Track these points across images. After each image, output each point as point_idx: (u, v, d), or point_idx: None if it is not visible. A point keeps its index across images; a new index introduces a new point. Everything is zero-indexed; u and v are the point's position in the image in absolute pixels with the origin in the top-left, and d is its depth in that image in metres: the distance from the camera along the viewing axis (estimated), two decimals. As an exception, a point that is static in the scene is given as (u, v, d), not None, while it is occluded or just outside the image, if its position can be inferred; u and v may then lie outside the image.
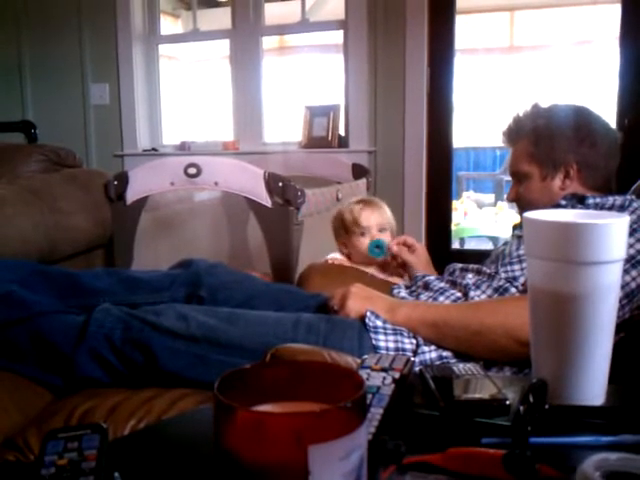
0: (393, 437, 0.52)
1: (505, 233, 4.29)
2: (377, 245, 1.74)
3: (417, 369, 0.78)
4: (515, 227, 1.60)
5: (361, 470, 0.50)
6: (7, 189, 2.08)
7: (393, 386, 0.68)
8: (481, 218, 4.75)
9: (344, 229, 1.81)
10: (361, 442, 0.50)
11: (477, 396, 0.69)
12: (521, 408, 0.61)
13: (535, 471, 0.47)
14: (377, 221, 1.78)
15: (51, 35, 3.74)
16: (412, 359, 0.74)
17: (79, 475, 0.54)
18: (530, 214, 0.74)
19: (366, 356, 0.78)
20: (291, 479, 0.48)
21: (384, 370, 0.72)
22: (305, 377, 0.60)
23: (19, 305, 1.28)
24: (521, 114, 1.49)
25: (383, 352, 1.21)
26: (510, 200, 1.52)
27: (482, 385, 0.72)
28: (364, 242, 1.76)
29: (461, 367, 0.77)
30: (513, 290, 1.31)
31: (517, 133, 1.48)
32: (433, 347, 1.22)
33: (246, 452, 0.49)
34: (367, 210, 1.79)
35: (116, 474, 0.56)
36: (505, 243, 1.54)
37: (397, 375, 0.71)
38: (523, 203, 1.49)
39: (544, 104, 1.48)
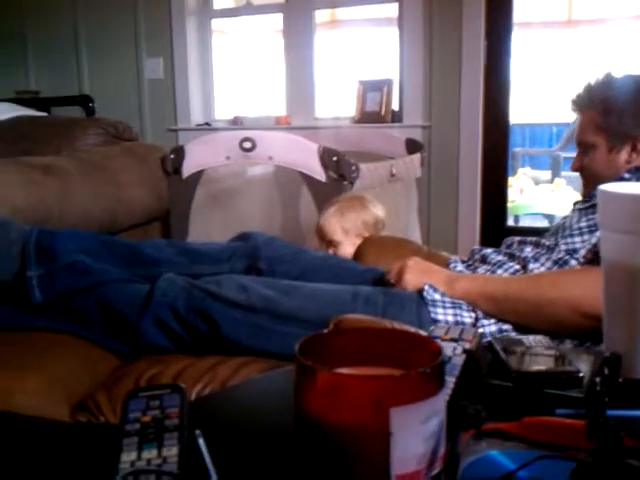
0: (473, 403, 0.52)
1: (562, 210, 4.20)
2: None
3: (486, 340, 0.78)
4: (576, 203, 1.57)
5: (440, 435, 0.51)
6: (68, 162, 2.13)
7: (464, 356, 0.68)
8: (537, 195, 4.65)
9: None
10: (440, 407, 0.51)
11: (549, 368, 0.69)
12: (597, 380, 0.60)
13: (621, 439, 0.47)
14: (320, 235, 1.85)
15: (106, 10, 3.79)
16: (481, 331, 0.74)
17: (163, 431, 0.56)
18: (607, 186, 0.72)
19: (433, 327, 0.79)
20: (372, 441, 0.49)
21: (454, 340, 0.72)
22: (379, 344, 0.60)
23: (86, 274, 1.32)
24: (592, 83, 1.45)
25: (443, 325, 1.21)
26: (574, 169, 1.49)
27: (553, 357, 0.72)
28: None
29: (531, 339, 0.76)
30: (573, 262, 1.30)
31: (587, 102, 1.45)
32: (493, 320, 1.22)
33: (327, 414, 0.50)
34: (321, 220, 1.86)
35: (197, 431, 0.58)
36: (565, 217, 1.52)
37: (467, 345, 0.71)
38: (587, 174, 1.46)
39: (617, 74, 1.44)
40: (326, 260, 1.58)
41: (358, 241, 1.76)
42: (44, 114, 2.97)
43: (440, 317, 1.23)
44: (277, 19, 3.61)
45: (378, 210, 1.87)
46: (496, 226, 3.10)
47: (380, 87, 3.30)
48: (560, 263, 1.31)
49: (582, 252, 1.31)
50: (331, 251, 1.80)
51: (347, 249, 1.77)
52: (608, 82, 1.43)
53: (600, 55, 4.95)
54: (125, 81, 3.81)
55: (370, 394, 0.49)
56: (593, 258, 1.26)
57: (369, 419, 0.49)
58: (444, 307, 1.24)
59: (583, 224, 1.34)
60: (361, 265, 1.57)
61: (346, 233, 1.79)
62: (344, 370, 0.55)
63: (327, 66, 3.60)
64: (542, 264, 1.33)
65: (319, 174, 2.13)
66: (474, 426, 0.50)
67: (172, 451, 0.54)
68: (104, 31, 3.82)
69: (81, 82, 3.92)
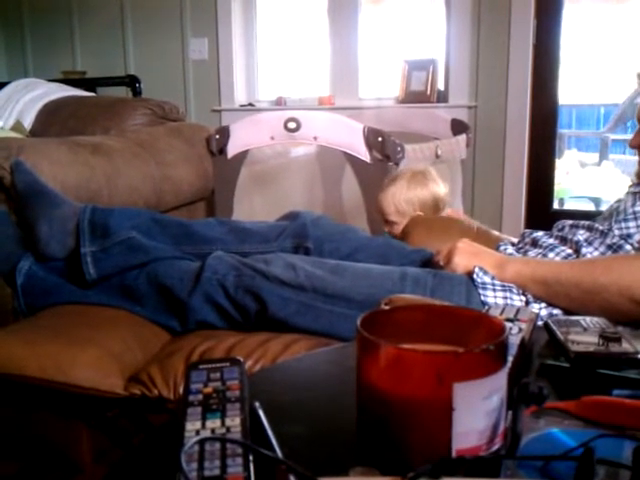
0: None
1: (609, 194, 4.12)
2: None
3: (541, 322, 0.77)
4: (630, 186, 1.53)
5: (501, 411, 0.51)
6: (116, 141, 2.17)
7: (520, 336, 0.68)
8: (584, 178, 4.57)
9: None
10: (502, 384, 0.51)
11: (607, 349, 0.68)
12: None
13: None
14: (380, 211, 1.82)
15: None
16: (537, 311, 0.74)
17: (226, 402, 0.57)
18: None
19: (487, 307, 0.79)
20: (434, 415, 0.49)
21: (510, 320, 0.72)
22: (437, 321, 0.61)
23: (139, 250, 1.34)
24: None
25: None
26: (632, 146, 1.45)
27: (611, 338, 0.71)
28: None
29: (588, 320, 0.76)
30: (628, 247, 1.27)
31: None
32: (543, 305, 1.20)
33: (390, 388, 0.51)
34: (380, 195, 1.82)
35: (256, 403, 0.59)
36: (618, 200, 1.48)
37: (523, 326, 0.71)
38: None
39: None
40: (374, 240, 1.58)
41: None
42: (92, 94, 3.02)
43: (490, 300, 1.22)
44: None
45: (439, 188, 1.81)
46: (542, 209, 3.06)
47: (425, 66, 3.27)
48: (614, 248, 1.29)
49: (637, 237, 1.28)
50: (386, 228, 1.80)
51: (400, 230, 1.75)
52: None
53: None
54: (170, 62, 3.84)
55: (433, 369, 0.49)
56: None
57: (432, 393, 0.49)
58: (494, 290, 1.23)
59: (638, 208, 1.31)
60: (409, 246, 1.56)
61: (402, 215, 1.76)
62: (405, 346, 0.55)
63: (371, 45, 3.57)
64: (596, 248, 1.31)
65: (364, 154, 2.12)
66: (536, 404, 0.50)
67: (235, 421, 0.55)
68: (150, 11, 3.85)
69: (126, 62, 3.96)
